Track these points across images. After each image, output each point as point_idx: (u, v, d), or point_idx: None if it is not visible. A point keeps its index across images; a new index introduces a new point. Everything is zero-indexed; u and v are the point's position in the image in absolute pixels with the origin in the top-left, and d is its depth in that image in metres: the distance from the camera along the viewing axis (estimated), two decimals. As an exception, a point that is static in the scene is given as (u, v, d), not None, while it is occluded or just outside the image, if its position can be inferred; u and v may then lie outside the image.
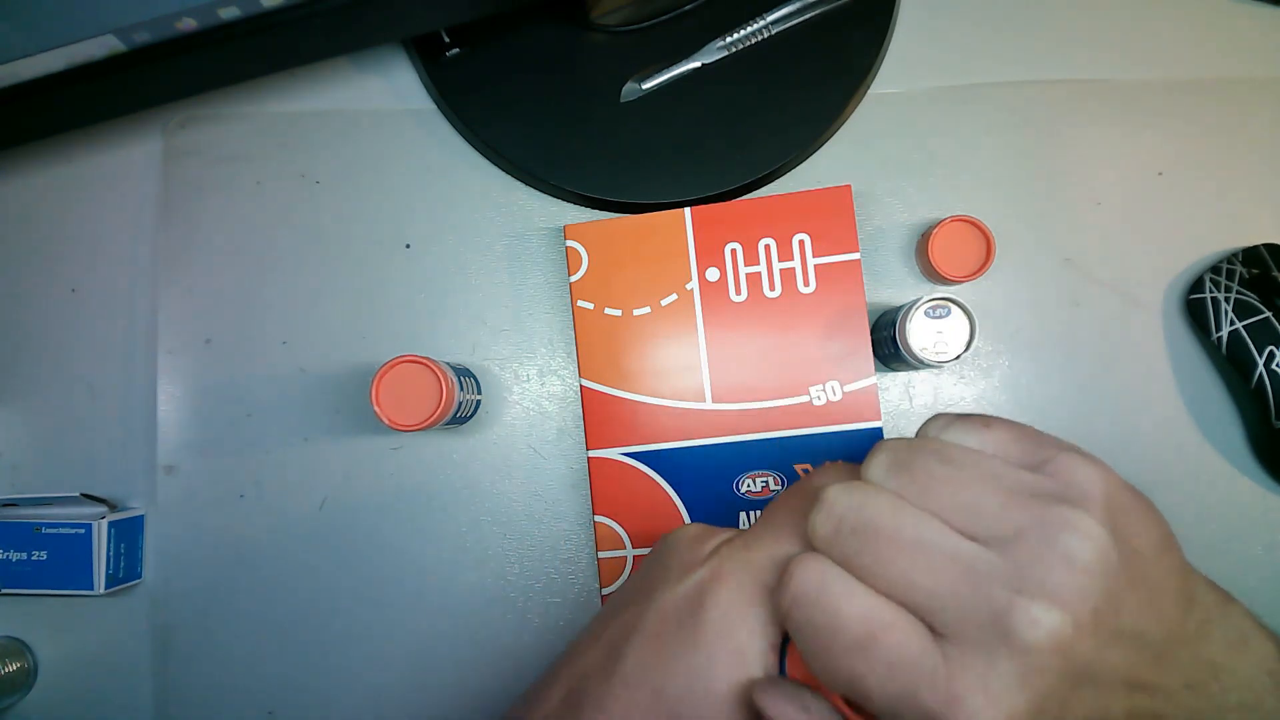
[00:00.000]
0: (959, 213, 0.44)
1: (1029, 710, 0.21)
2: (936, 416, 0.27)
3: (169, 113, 0.48)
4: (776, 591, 0.25)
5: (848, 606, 0.23)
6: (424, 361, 0.40)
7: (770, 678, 0.25)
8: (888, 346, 0.42)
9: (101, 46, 0.35)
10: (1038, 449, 0.25)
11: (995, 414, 0.46)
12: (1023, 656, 0.21)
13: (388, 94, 0.49)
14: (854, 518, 0.24)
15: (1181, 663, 0.24)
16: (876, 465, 0.25)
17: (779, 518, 0.29)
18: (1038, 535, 0.22)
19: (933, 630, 0.22)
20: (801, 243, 0.44)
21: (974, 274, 0.43)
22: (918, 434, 0.27)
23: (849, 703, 0.24)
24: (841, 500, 0.24)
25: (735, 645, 0.26)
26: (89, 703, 0.46)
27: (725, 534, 0.30)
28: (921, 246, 0.45)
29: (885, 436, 0.43)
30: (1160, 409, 0.46)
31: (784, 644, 0.27)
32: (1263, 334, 0.43)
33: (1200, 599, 0.25)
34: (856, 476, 0.26)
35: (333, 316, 0.47)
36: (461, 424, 0.45)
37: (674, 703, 0.26)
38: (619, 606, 0.31)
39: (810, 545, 0.25)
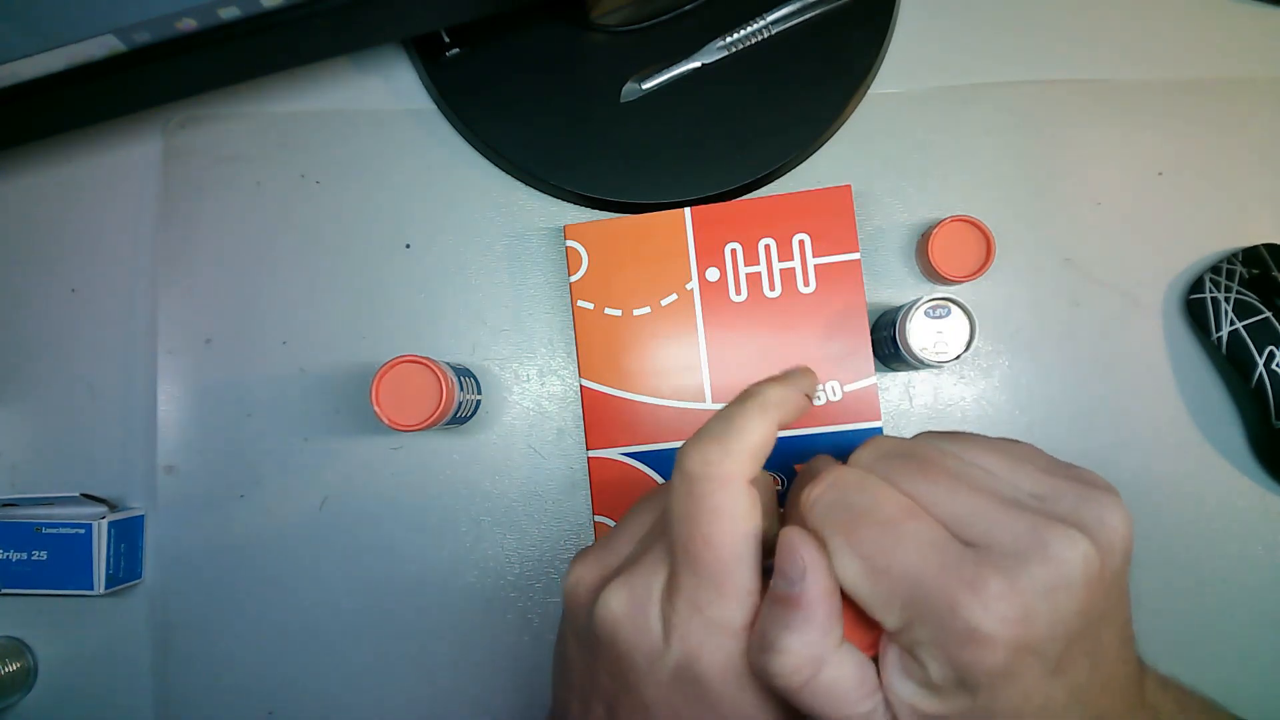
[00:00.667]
0: (959, 213, 0.44)
1: (1044, 624, 0.21)
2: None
3: (169, 113, 0.48)
4: (809, 488, 0.24)
5: (887, 494, 0.23)
6: (424, 361, 0.40)
7: (803, 531, 0.24)
8: (888, 346, 0.42)
9: (101, 46, 0.35)
10: (1058, 461, 0.25)
11: (995, 413, 0.46)
12: (1056, 568, 0.21)
13: (388, 94, 0.49)
14: (902, 448, 0.24)
15: (1135, 699, 0.24)
16: (920, 434, 0.26)
17: (689, 546, 0.25)
18: (1076, 497, 0.22)
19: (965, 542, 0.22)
20: (801, 243, 0.44)
21: (974, 274, 0.43)
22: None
23: (864, 627, 0.24)
24: (891, 439, 0.25)
25: (753, 699, 0.25)
26: (89, 703, 0.46)
27: (654, 590, 0.26)
28: (921, 246, 0.45)
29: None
30: (1160, 409, 0.46)
31: None
32: (1263, 334, 0.43)
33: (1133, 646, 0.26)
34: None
35: (333, 316, 0.47)
36: (461, 424, 0.45)
37: None
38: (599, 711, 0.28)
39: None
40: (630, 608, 0.26)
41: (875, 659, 0.23)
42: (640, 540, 0.28)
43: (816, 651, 0.22)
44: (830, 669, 0.22)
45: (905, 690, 0.22)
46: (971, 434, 0.26)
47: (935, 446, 0.24)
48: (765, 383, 0.27)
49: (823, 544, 0.23)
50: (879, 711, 0.23)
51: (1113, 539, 0.22)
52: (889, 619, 0.22)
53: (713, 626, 0.25)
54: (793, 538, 0.23)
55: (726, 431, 0.25)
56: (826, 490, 0.24)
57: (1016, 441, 0.26)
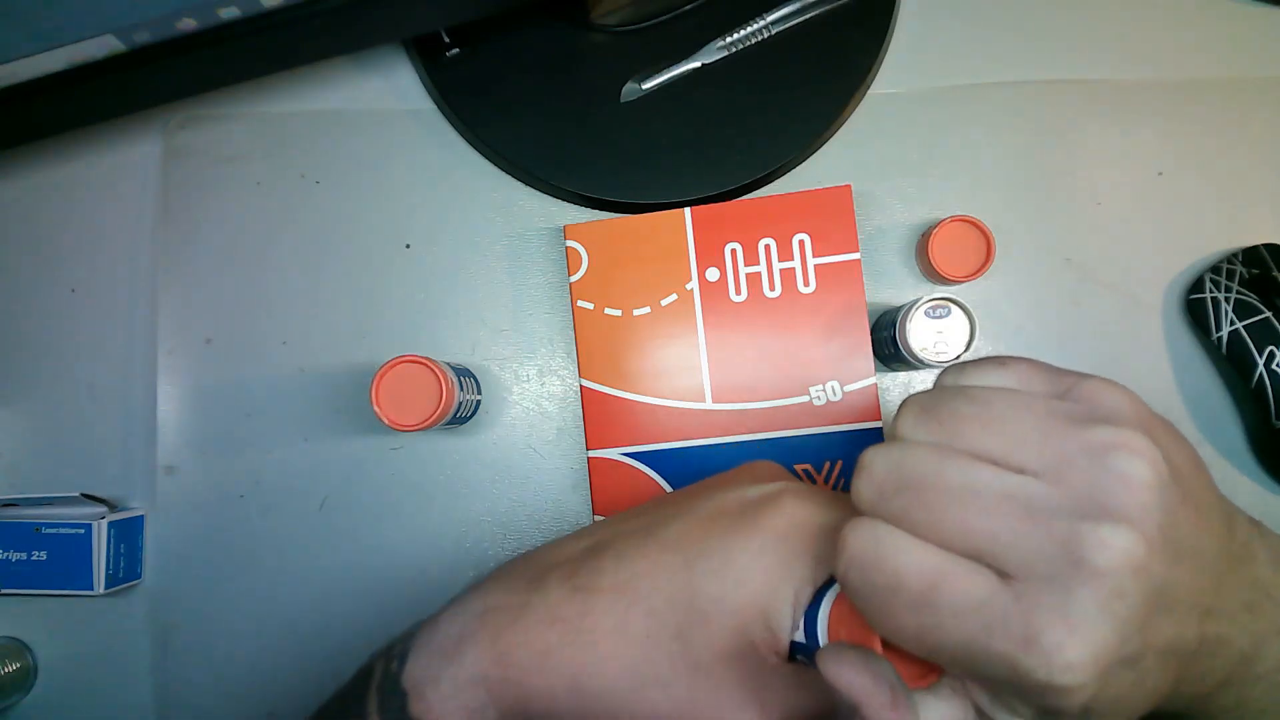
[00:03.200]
0: (959, 213, 0.44)
1: (1116, 640, 0.20)
2: (949, 366, 0.26)
3: (169, 113, 0.48)
4: (833, 558, 0.23)
5: (905, 561, 0.22)
6: (424, 361, 0.40)
7: (835, 645, 0.23)
8: (888, 346, 0.42)
9: (101, 46, 0.35)
10: (1059, 379, 0.24)
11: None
12: (1100, 581, 0.20)
13: (388, 94, 0.49)
14: (895, 475, 0.23)
15: (1236, 584, 0.23)
16: (904, 420, 0.24)
17: None
18: (1087, 459, 0.21)
19: (1000, 575, 0.21)
20: (801, 243, 0.44)
21: (974, 274, 0.43)
22: (935, 384, 0.26)
23: (914, 659, 0.23)
24: (879, 460, 0.23)
25: (770, 578, 0.25)
26: (89, 703, 0.46)
27: (811, 499, 0.28)
28: (921, 246, 0.45)
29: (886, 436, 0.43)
30: (1160, 409, 0.45)
31: (815, 601, 0.26)
32: (1263, 334, 0.43)
33: (1237, 518, 0.24)
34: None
35: (333, 316, 0.47)
36: (461, 424, 0.45)
37: (699, 577, 0.26)
38: (674, 498, 0.30)
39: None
40: (778, 470, 0.32)
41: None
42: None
43: None
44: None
45: None
46: (957, 391, 0.24)
47: (928, 453, 0.23)
48: None
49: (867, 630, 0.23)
50: None
51: (1144, 498, 0.20)
52: (958, 674, 0.22)
53: (821, 500, 0.27)
54: (832, 673, 0.22)
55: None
56: (848, 571, 0.23)
57: (1002, 364, 0.24)
